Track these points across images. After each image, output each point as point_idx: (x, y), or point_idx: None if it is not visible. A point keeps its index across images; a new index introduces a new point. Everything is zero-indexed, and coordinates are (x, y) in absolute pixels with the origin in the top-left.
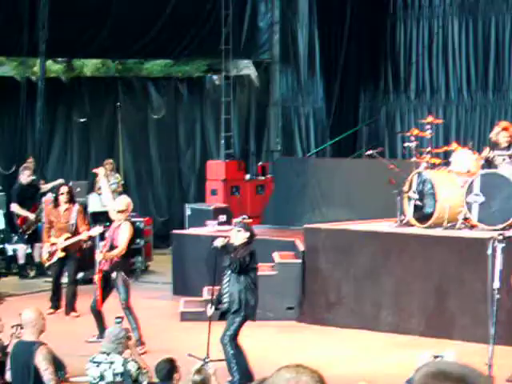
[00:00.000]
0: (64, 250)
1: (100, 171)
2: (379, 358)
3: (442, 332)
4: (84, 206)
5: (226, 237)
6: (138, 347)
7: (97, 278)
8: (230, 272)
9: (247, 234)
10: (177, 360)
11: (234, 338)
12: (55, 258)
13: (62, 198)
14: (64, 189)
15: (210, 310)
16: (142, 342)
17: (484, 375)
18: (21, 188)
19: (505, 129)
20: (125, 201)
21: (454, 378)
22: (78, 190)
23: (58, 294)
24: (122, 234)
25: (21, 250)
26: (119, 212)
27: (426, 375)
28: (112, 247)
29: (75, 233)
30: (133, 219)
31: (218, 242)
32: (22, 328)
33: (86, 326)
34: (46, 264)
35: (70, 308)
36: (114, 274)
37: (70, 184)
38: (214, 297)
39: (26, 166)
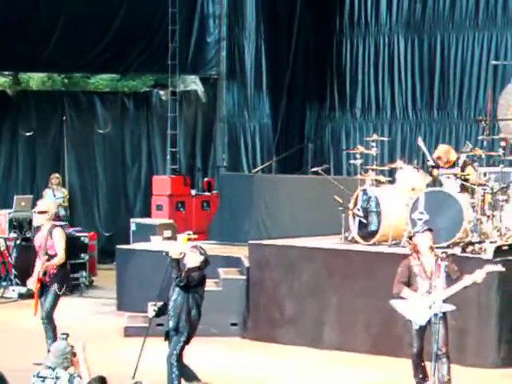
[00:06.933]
0: None
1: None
2: (320, 376)
3: (388, 350)
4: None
5: (181, 253)
6: None
7: (35, 287)
8: (177, 289)
9: (201, 258)
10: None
11: (180, 357)
12: None
13: None
14: None
15: (152, 313)
16: None
17: None
18: None
19: (438, 158)
20: (46, 203)
21: None
22: (23, 204)
23: None
24: (56, 242)
25: None
26: (40, 213)
27: None
28: (49, 256)
29: None
30: (77, 234)
31: (174, 254)
32: None
33: (28, 341)
34: None
35: None
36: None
37: (15, 197)
38: (159, 303)
39: None
